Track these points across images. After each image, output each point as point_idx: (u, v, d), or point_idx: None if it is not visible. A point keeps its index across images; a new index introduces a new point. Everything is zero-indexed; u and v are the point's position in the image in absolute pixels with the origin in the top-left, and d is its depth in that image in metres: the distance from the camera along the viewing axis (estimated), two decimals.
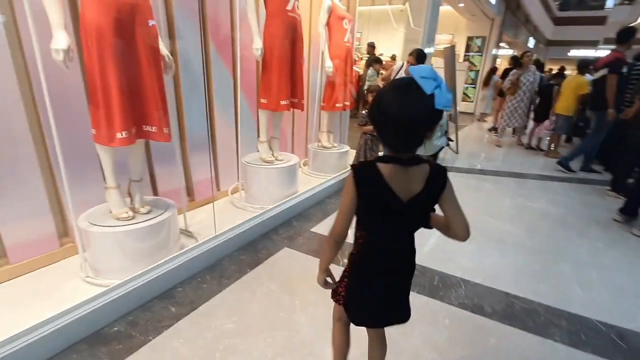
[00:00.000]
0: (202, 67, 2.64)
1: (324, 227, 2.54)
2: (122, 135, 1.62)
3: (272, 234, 2.42)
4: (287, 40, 2.49)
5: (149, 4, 1.68)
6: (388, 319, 1.01)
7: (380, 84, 3.55)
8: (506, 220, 2.94)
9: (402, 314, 0.99)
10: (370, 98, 3.10)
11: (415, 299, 1.79)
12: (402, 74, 3.39)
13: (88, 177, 2.01)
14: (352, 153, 3.87)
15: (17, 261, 1.84)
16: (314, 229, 2.51)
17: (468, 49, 10.64)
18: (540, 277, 2.10)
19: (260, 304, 1.70)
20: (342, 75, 3.46)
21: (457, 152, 5.44)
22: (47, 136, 1.80)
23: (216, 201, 2.80)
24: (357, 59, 8.00)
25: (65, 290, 1.69)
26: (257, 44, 2.42)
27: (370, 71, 5.89)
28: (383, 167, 0.82)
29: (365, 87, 3.16)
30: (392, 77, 3.51)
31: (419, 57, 3.25)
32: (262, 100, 2.63)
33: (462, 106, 10.85)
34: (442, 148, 4.68)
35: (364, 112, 3.14)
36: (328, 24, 3.32)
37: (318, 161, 3.75)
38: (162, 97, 1.77)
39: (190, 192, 2.78)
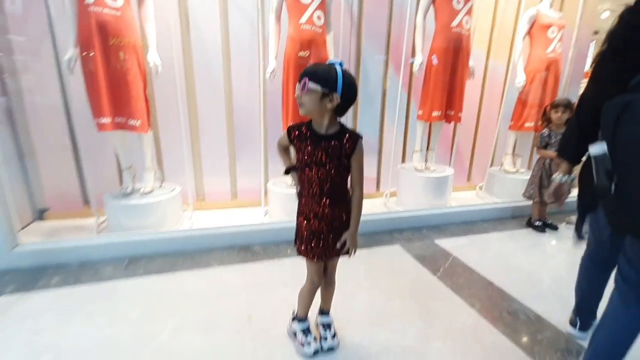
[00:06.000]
0: (381, 86, 3.20)
1: (450, 243, 2.44)
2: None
3: (396, 232, 2.61)
4: (449, 55, 2.59)
5: (324, 39, 2.40)
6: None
7: None
8: None
9: None
10: (554, 115, 2.53)
11: None
12: None
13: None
14: None
15: (241, 199, 3.09)
16: (438, 241, 2.47)
17: None
18: None
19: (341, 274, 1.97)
20: (539, 92, 3.01)
21: None
22: (264, 127, 2.91)
23: (371, 199, 3.29)
24: None
25: (250, 220, 2.71)
26: (417, 59, 2.69)
27: None
28: None
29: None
30: None
31: None
32: (419, 112, 2.85)
33: None
34: None
35: (544, 131, 2.61)
36: (530, 33, 3.01)
37: (494, 185, 3.42)
38: None
39: None
